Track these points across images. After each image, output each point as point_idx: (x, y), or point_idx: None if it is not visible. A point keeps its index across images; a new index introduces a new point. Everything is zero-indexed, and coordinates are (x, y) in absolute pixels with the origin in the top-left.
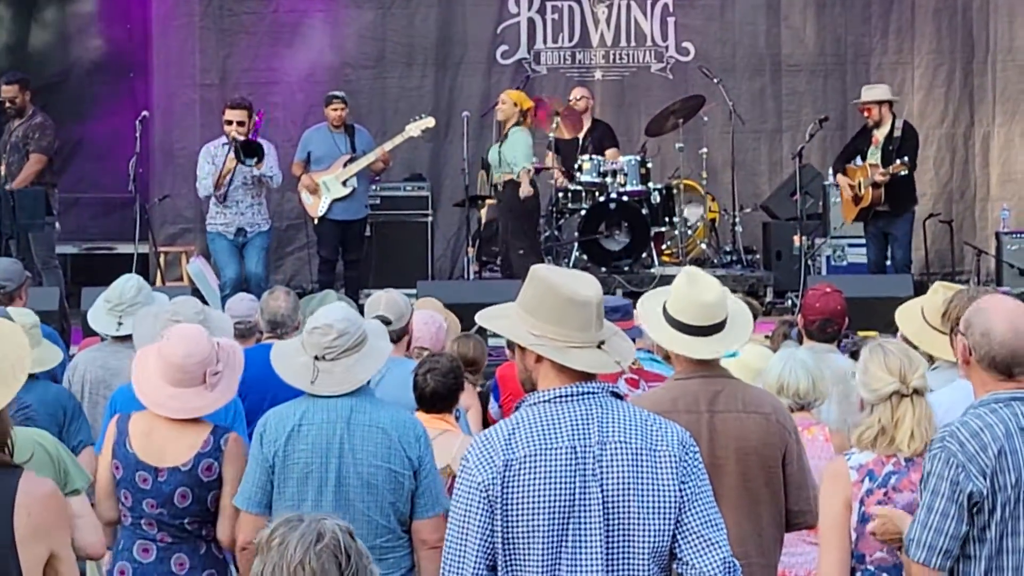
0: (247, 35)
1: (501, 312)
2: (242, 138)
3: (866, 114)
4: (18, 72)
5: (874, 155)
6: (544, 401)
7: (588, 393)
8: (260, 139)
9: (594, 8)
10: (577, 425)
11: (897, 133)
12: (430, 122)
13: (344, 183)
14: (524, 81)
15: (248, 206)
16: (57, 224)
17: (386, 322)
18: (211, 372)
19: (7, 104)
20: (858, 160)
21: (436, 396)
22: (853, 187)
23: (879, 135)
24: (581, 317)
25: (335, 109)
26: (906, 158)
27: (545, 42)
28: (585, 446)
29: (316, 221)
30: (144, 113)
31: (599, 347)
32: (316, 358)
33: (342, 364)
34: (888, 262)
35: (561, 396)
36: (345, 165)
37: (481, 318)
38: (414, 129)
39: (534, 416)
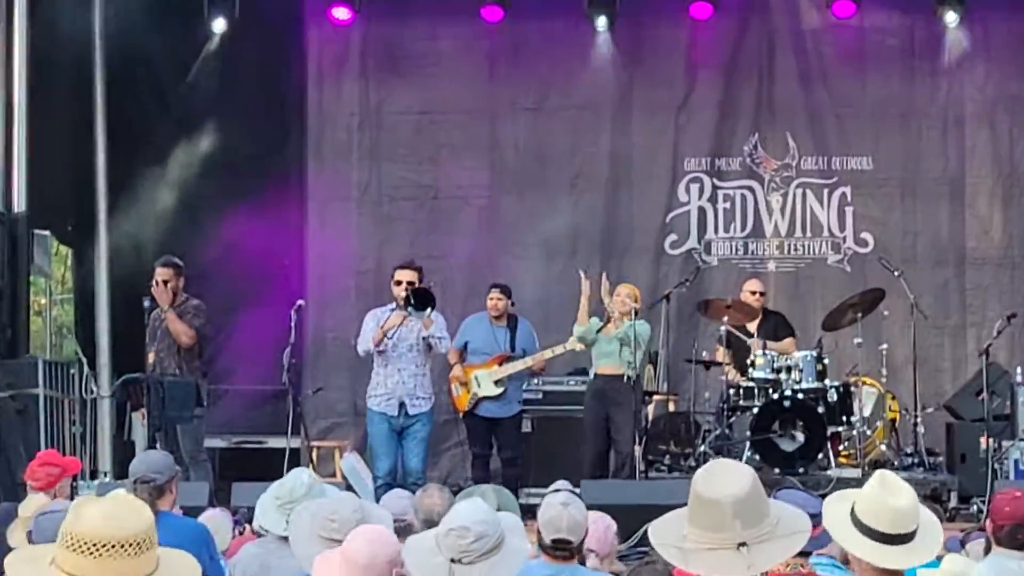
0: (405, 221)
1: (672, 515)
2: (411, 289)
3: None
4: (173, 256)
5: None
6: None
7: None
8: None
9: (768, 197)
10: None
11: None
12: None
13: (496, 383)
14: (695, 273)
15: (411, 375)
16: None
17: (566, 543)
18: (397, 574)
19: (159, 286)
20: None
21: None
22: None
23: None
24: (712, 517)
25: (492, 299)
26: None
27: (716, 232)
28: None
29: (462, 415)
30: (300, 302)
31: (739, 548)
32: (452, 560)
33: (478, 569)
34: None
35: None
36: (501, 363)
37: (651, 526)
38: (576, 343)
39: None
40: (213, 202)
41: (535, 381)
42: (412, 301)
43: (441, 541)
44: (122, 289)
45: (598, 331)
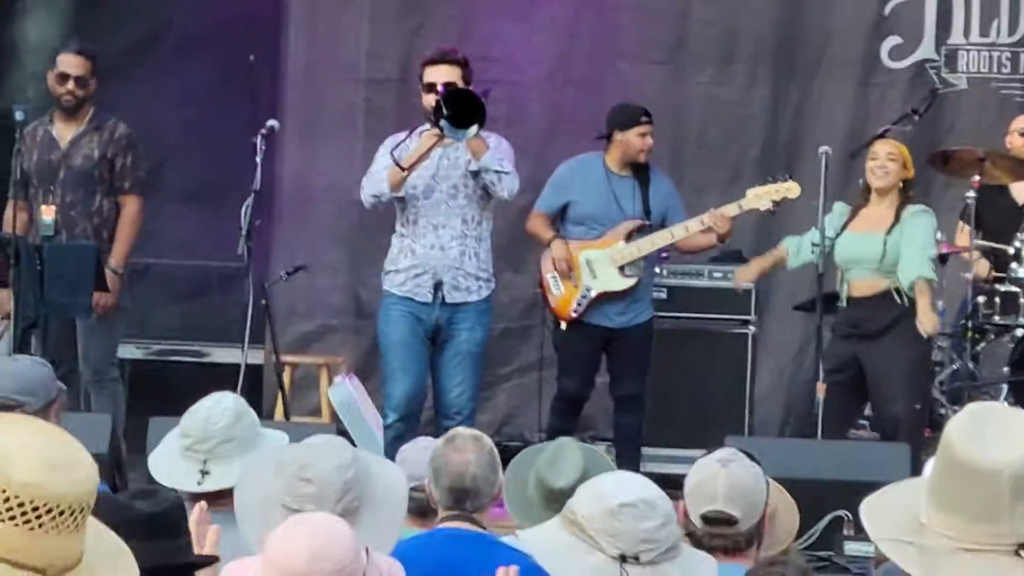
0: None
1: (898, 491)
2: (446, 91)
3: None
4: (87, 41)
5: None
6: None
7: None
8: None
9: None
10: None
11: None
12: (793, 190)
13: (623, 270)
14: (930, 100)
15: (456, 236)
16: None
17: (726, 520)
18: None
19: (64, 94)
20: None
21: None
22: None
23: None
24: (980, 498)
25: (643, 134)
26: None
27: (967, 33)
28: None
29: (563, 326)
30: (271, 123)
31: (1019, 552)
32: (624, 558)
33: (662, 570)
34: None
35: None
36: (630, 237)
37: (867, 505)
38: (763, 198)
39: None
40: None
41: (658, 270)
42: (446, 111)
43: (598, 524)
44: None
45: (837, 236)
